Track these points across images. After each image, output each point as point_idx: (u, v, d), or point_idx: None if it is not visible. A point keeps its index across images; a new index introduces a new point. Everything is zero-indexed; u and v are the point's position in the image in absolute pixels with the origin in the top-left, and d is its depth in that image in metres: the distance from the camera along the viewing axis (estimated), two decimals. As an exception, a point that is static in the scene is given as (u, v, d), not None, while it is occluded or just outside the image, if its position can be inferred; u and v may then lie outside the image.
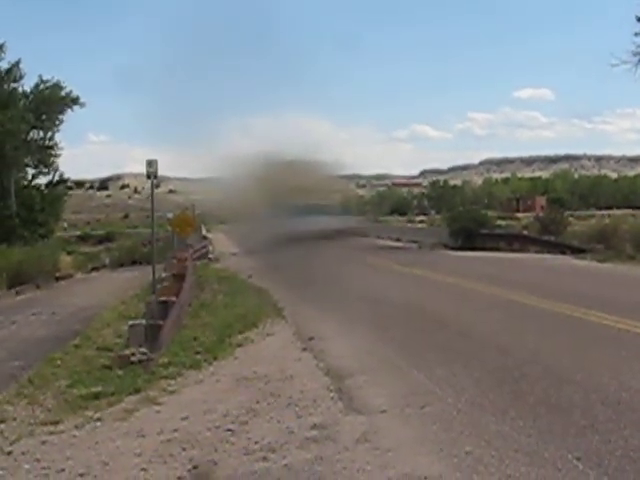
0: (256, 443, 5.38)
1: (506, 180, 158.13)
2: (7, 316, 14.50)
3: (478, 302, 12.59)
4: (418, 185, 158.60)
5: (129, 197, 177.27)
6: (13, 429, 6.11)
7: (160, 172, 14.85)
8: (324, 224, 30.16)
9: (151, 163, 13.49)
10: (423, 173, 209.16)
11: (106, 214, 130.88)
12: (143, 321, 9.63)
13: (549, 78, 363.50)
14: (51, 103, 37.64)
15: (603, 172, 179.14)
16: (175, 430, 5.81)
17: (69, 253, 32.08)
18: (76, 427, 6.04)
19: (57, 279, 23.85)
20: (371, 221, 56.00)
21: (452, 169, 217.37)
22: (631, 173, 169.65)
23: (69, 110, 38.68)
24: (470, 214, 32.13)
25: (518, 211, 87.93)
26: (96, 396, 6.97)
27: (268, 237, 28.99)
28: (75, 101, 38.71)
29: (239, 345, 9.44)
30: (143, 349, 8.44)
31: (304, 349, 8.92)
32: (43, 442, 5.69)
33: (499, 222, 38.18)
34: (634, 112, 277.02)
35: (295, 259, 22.87)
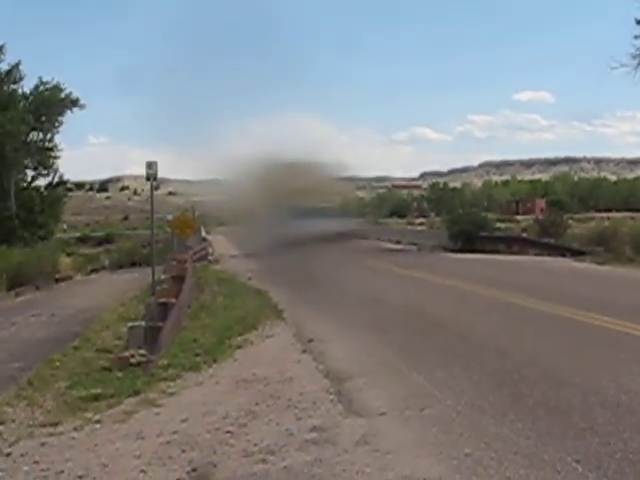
0: (255, 445, 5.38)
1: (506, 182, 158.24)
2: (7, 317, 14.51)
3: (477, 304, 12.59)
4: (418, 187, 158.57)
5: (129, 199, 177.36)
6: (12, 431, 6.10)
7: (160, 174, 14.89)
8: (325, 227, 30.12)
9: (151, 165, 13.52)
10: (423, 175, 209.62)
11: (106, 216, 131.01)
12: (143, 323, 9.63)
13: (549, 80, 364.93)
14: (51, 105, 37.65)
15: (603, 175, 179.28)
16: (174, 432, 5.81)
17: (69, 255, 32.10)
18: (75, 429, 6.04)
19: (57, 280, 23.87)
20: (371, 223, 56.01)
21: (452, 171, 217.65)
22: (631, 176, 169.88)
23: (69, 112, 38.74)
24: (470, 216, 32.13)
25: (518, 213, 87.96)
26: (95, 398, 6.97)
27: (269, 239, 28.97)
28: (75, 103, 38.74)
29: (239, 347, 9.43)
30: (142, 351, 8.43)
31: (304, 351, 8.91)
32: (42, 444, 5.69)
33: (499, 224, 38.23)
34: (634, 115, 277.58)
35: (295, 261, 22.86)
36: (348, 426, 5.73)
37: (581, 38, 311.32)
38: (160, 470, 5.00)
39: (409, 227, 57.95)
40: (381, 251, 30.44)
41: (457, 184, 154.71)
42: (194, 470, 4.94)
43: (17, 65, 36.94)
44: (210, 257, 28.32)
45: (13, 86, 37.12)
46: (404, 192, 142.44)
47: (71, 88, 39.82)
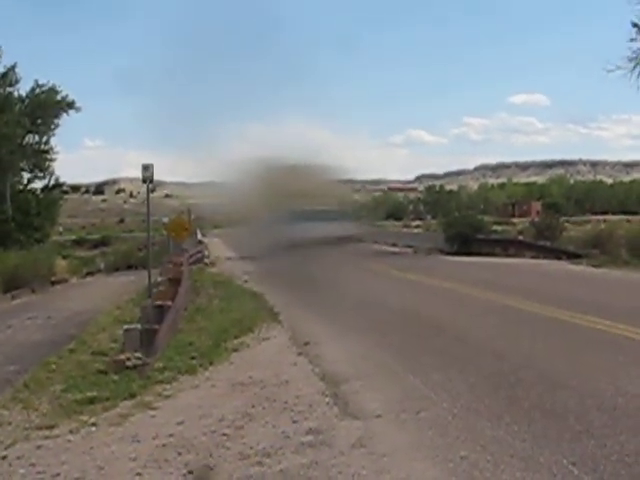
0: (251, 448, 5.37)
1: (502, 185, 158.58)
2: (3, 320, 14.49)
3: (474, 307, 12.61)
4: (414, 190, 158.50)
5: (125, 201, 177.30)
6: (8, 433, 6.08)
7: (156, 176, 14.94)
8: (325, 230, 30.01)
9: (147, 167, 13.53)
10: (419, 178, 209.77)
11: (101, 218, 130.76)
12: (138, 325, 9.61)
13: (544, 83, 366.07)
14: (47, 107, 37.68)
15: (598, 177, 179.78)
16: (170, 435, 5.80)
17: (64, 257, 32.05)
18: (71, 432, 6.03)
19: (52, 283, 23.86)
20: (369, 226, 55.94)
21: (448, 174, 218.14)
22: (626, 178, 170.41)
23: (65, 114, 38.78)
24: (466, 219, 32.12)
25: (514, 216, 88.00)
26: (91, 401, 6.96)
27: (267, 242, 28.91)
28: (71, 105, 38.79)
29: (235, 350, 9.42)
30: (138, 354, 8.42)
31: (300, 354, 8.91)
32: (38, 447, 5.68)
33: (495, 227, 38.16)
34: (630, 118, 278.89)
35: (291, 264, 22.85)
36: (344, 429, 5.73)
37: (577, 41, 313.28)
38: (156, 473, 4.99)
39: (405, 230, 57.96)
40: (377, 254, 30.44)
41: (453, 187, 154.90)
42: (190, 473, 4.94)
43: (13, 68, 37.02)
44: (206, 260, 28.30)
45: (9, 89, 37.17)
46: (400, 195, 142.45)
47: (67, 91, 40.00)
